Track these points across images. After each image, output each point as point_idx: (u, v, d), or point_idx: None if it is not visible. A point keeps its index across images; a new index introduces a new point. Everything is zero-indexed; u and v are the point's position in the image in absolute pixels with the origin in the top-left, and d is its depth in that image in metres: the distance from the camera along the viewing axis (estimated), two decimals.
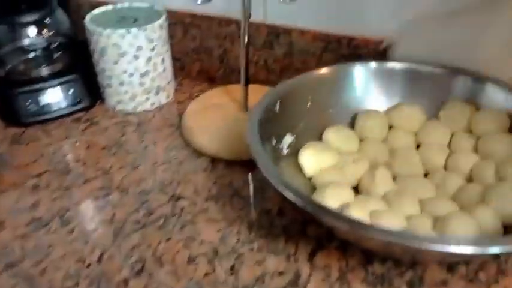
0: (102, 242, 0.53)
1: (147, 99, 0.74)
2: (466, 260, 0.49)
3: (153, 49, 0.70)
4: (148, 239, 0.53)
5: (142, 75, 0.71)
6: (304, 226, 0.54)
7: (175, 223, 0.55)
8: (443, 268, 0.49)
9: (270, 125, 0.56)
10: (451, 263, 0.49)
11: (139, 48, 0.69)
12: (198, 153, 0.65)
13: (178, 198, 0.59)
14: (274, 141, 0.56)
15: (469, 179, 0.56)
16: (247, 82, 0.68)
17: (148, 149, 0.67)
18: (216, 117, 0.69)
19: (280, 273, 0.49)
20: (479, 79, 0.59)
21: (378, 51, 0.67)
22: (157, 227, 0.55)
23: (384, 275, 0.49)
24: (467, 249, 0.40)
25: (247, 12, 0.62)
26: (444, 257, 0.47)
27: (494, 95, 0.58)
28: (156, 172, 0.63)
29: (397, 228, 0.47)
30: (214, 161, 0.64)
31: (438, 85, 0.62)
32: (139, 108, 0.74)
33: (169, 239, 0.54)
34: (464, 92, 0.60)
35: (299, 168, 0.58)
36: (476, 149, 0.58)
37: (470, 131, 0.59)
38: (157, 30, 0.70)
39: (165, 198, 0.59)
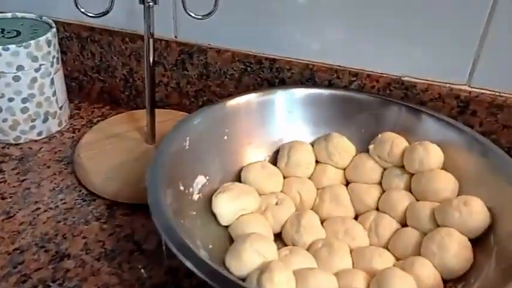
0: None
1: (32, 127, 0.61)
2: None
3: (38, 69, 0.58)
4: None
5: (25, 99, 0.59)
6: None
7: None
8: None
9: (178, 166, 0.47)
10: None
11: (20, 68, 0.57)
12: (93, 196, 0.54)
13: (63, 258, 0.47)
14: (182, 186, 0.47)
15: (403, 221, 0.50)
16: (153, 108, 0.58)
17: (29, 192, 0.55)
18: (116, 150, 0.58)
19: None
20: (414, 109, 0.54)
21: (304, 75, 0.60)
22: None
23: None
24: None
25: (149, 27, 0.52)
26: None
27: (429, 127, 0.53)
28: (37, 223, 0.51)
29: None
30: (112, 206, 0.53)
31: (370, 114, 0.55)
32: (23, 139, 0.61)
33: None
34: (398, 122, 0.54)
35: (214, 216, 0.49)
36: (409, 187, 0.52)
37: (402, 166, 0.53)
38: (44, 46, 0.58)
39: (45, 258, 0.47)
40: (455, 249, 0.44)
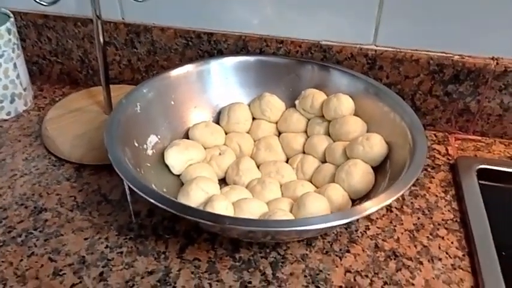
0: None
1: (1, 108, 0.69)
2: (321, 234, 0.54)
3: (1, 55, 0.66)
4: (9, 257, 0.51)
5: None
6: (173, 223, 0.55)
7: (38, 237, 0.53)
8: (303, 245, 0.53)
9: (131, 127, 0.56)
10: (310, 239, 0.53)
11: None
12: (62, 161, 0.63)
13: (41, 211, 0.56)
14: (136, 143, 0.56)
15: (324, 159, 0.61)
16: (107, 83, 0.66)
17: (5, 162, 0.63)
18: (79, 122, 0.66)
19: (150, 273, 0.50)
20: (325, 66, 0.64)
21: (238, 45, 0.69)
22: (18, 243, 0.52)
23: (250, 260, 0.51)
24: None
25: (97, 11, 0.60)
26: (295, 234, 0.51)
27: (339, 80, 0.64)
28: (15, 186, 0.59)
29: (250, 217, 0.51)
30: (79, 168, 0.62)
31: (296, 75, 0.65)
32: None
33: (31, 254, 0.51)
34: (313, 79, 0.65)
35: (167, 167, 0.58)
36: (328, 132, 0.63)
37: (323, 115, 0.64)
38: (5, 34, 0.65)
39: (25, 213, 0.56)
40: (359, 175, 0.55)
